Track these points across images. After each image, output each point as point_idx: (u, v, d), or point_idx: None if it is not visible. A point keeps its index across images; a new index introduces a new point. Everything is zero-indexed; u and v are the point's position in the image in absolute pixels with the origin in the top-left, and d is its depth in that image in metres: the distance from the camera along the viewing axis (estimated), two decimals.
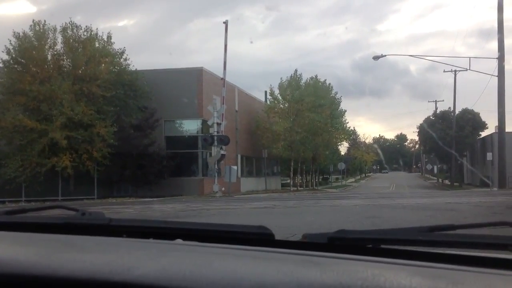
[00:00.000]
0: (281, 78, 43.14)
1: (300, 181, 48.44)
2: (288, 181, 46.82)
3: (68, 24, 29.28)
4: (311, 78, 44.85)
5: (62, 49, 29.46)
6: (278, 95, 42.63)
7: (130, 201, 24.52)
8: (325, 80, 46.62)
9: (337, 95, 48.99)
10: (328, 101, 44.05)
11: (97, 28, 30.04)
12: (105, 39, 30.10)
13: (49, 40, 29.16)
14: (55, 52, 29.39)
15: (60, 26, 29.25)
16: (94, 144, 27.68)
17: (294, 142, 40.59)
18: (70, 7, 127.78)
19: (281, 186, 48.41)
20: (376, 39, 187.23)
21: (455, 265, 1.06)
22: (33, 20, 28.74)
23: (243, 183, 38.67)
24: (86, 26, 29.68)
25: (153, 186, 29.05)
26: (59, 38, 29.37)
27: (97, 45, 29.71)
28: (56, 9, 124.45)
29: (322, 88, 44.54)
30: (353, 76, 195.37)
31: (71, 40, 29.12)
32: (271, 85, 43.78)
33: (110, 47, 30.31)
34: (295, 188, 42.54)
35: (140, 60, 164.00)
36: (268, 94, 44.83)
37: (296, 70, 43.17)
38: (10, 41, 28.29)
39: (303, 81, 43.66)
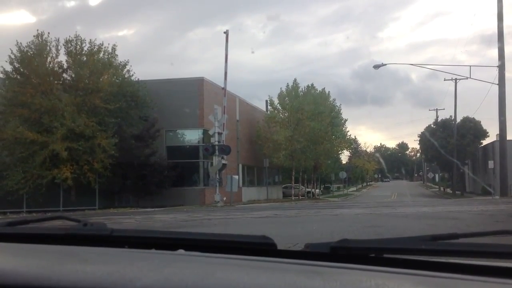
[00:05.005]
0: (280, 88, 43.37)
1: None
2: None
3: (73, 37, 29.38)
4: (308, 86, 44.94)
5: (65, 61, 29.52)
6: (278, 105, 42.78)
7: (131, 212, 24.44)
8: (324, 88, 46.76)
9: (335, 102, 49.04)
10: (327, 108, 44.11)
11: (102, 43, 30.02)
12: (110, 51, 30.17)
13: (51, 52, 29.20)
14: (58, 64, 29.45)
15: (64, 39, 29.37)
16: (95, 155, 27.69)
17: (295, 151, 40.61)
18: (71, 17, 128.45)
19: (283, 196, 48.34)
20: (377, 47, 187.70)
21: (458, 274, 1.06)
22: (37, 30, 28.93)
23: (244, 192, 38.62)
24: (90, 40, 29.83)
25: (154, 196, 29.02)
26: (62, 50, 29.44)
27: (101, 55, 29.77)
28: (57, 20, 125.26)
29: (320, 96, 44.61)
30: (354, 84, 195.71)
31: (74, 52, 29.15)
32: (269, 96, 44.18)
33: (114, 59, 30.37)
34: (297, 197, 42.46)
35: (140, 69, 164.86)
36: (268, 103, 44.97)
37: (295, 80, 43.40)
38: (12, 50, 28.41)
39: (300, 89, 43.73)
